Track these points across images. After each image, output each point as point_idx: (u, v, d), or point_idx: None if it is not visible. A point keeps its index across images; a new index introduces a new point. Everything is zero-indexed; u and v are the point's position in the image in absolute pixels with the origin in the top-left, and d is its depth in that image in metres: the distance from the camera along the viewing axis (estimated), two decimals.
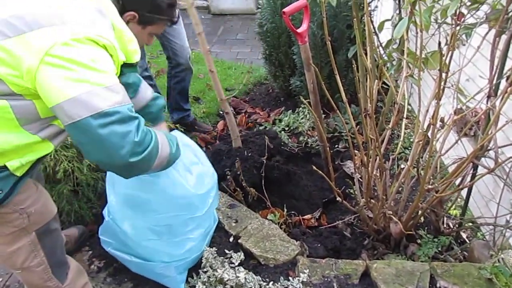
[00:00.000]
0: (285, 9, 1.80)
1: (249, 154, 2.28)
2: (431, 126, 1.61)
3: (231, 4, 5.93)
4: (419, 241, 1.97)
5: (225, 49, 4.80)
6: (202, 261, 1.72)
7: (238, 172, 2.08)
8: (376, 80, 1.78)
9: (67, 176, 1.92)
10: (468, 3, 1.55)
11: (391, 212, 1.85)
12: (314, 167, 1.80)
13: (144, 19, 1.41)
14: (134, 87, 1.72)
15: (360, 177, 2.06)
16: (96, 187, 2.01)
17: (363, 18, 2.75)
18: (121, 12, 1.33)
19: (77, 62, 1.10)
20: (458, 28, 1.49)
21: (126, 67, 1.30)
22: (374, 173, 1.87)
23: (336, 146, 2.89)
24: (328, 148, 2.12)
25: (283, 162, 2.53)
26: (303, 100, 1.84)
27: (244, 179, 2.10)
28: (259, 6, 3.39)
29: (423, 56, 1.59)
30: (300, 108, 3.18)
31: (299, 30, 1.87)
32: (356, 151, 2.12)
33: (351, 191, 2.41)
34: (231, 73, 4.08)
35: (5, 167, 1.20)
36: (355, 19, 2.18)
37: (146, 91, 1.76)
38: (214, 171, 1.80)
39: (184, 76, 2.93)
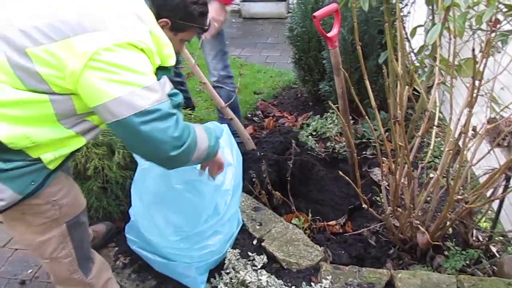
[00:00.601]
0: (315, 13, 1.80)
1: (273, 158, 2.28)
2: (463, 135, 1.57)
3: (262, 8, 5.96)
4: (446, 253, 1.92)
5: (255, 52, 4.82)
6: (225, 262, 1.73)
7: (264, 175, 2.08)
8: (407, 87, 1.75)
9: (97, 173, 1.97)
10: (505, 10, 1.51)
11: (418, 222, 1.81)
12: (340, 173, 1.78)
13: (176, 26, 1.43)
14: None
15: (387, 185, 2.03)
16: (125, 185, 2.05)
17: (394, 23, 2.72)
18: (157, 18, 1.37)
19: (119, 65, 1.19)
20: (493, 35, 1.45)
21: (161, 70, 1.36)
22: (402, 181, 1.83)
23: (364, 152, 2.85)
24: (355, 154, 2.09)
25: (310, 166, 2.52)
26: (332, 105, 1.82)
27: (269, 182, 2.10)
28: (290, 11, 3.40)
29: (456, 63, 1.56)
30: (328, 113, 3.16)
31: (329, 35, 1.86)
32: (384, 158, 2.09)
33: (378, 198, 2.37)
34: (260, 76, 4.09)
35: (39, 160, 1.27)
36: (386, 24, 2.15)
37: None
38: (240, 174, 1.82)
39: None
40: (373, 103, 1.89)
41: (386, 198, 2.02)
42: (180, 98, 1.88)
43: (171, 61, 1.37)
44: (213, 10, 2.26)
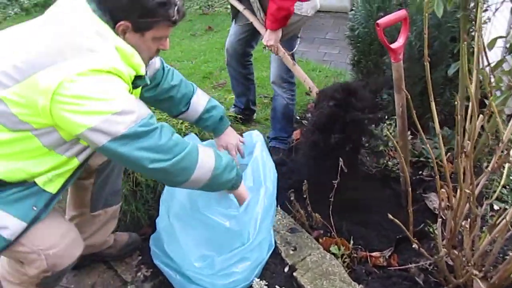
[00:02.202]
0: (379, 21, 1.57)
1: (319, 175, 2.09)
2: None
3: (324, 1, 5.65)
4: None
5: (312, 48, 4.58)
6: None
7: (304, 196, 1.90)
8: (481, 116, 1.49)
9: (127, 176, 1.88)
10: None
11: (477, 273, 1.56)
12: (390, 216, 1.56)
13: (138, 26, 1.30)
14: (185, 100, 1.72)
15: (444, 218, 1.78)
16: (156, 189, 1.95)
17: (471, 31, 2.40)
18: (113, 24, 1.27)
19: (84, 97, 1.19)
20: None
21: (137, 80, 1.34)
22: (463, 223, 1.58)
23: (420, 172, 2.58)
24: (409, 181, 1.84)
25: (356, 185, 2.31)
26: (389, 135, 1.61)
27: (309, 203, 1.92)
28: (353, 8, 3.13)
29: None
30: (385, 124, 2.89)
31: (393, 46, 1.62)
32: (442, 182, 1.84)
33: (431, 229, 2.12)
34: (314, 75, 3.86)
35: (33, 183, 1.27)
36: (461, 32, 1.88)
37: (198, 105, 1.74)
38: (274, 195, 1.66)
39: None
40: (436, 121, 1.64)
41: (441, 234, 1.78)
42: (219, 111, 1.76)
43: (142, 70, 1.33)
44: (264, 37, 2.30)
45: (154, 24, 1.31)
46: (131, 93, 1.35)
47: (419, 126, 1.60)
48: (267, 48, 2.36)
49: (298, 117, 3.17)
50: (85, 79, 1.18)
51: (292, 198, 1.95)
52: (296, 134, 2.92)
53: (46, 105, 1.18)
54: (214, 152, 1.45)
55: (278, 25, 2.20)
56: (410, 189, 1.54)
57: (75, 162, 1.35)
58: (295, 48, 2.56)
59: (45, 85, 1.17)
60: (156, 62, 1.68)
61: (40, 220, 1.29)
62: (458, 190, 1.56)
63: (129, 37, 1.31)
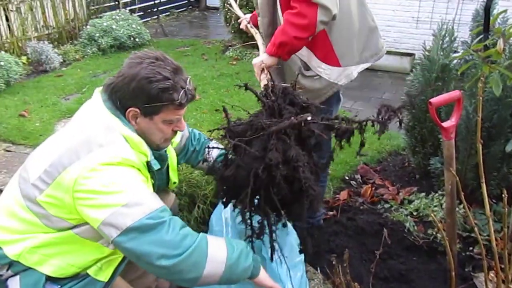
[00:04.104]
0: (432, 100, 1.59)
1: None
2: None
3: (385, 61, 5.70)
4: None
5: (367, 107, 4.60)
6: None
7: (345, 265, 1.87)
8: None
9: None
10: None
11: None
12: None
13: (146, 111, 1.39)
14: (202, 150, 1.83)
15: None
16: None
17: None
18: (124, 111, 1.38)
19: (95, 191, 1.26)
20: None
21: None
22: None
23: (471, 248, 2.47)
24: (452, 263, 1.76)
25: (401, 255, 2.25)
26: (433, 216, 1.58)
27: (349, 273, 1.89)
28: (412, 73, 3.14)
29: None
30: (436, 194, 2.82)
31: (445, 125, 1.63)
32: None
33: None
34: (367, 136, 3.84)
35: (86, 274, 1.40)
36: None
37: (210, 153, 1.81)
38: None
39: None
40: (487, 207, 1.59)
41: None
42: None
43: (150, 155, 1.42)
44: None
45: (161, 108, 1.38)
46: (149, 181, 1.43)
47: (466, 207, 1.56)
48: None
49: (346, 177, 3.17)
50: (97, 174, 1.27)
51: (334, 262, 1.93)
52: (343, 194, 2.91)
53: (70, 203, 1.30)
54: (225, 242, 1.39)
55: (274, 50, 1.85)
56: (453, 273, 1.49)
57: (106, 251, 1.43)
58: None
59: (66, 184, 1.30)
60: (185, 131, 1.79)
61: None
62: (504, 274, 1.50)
63: (140, 122, 1.41)
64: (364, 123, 1.60)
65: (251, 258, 1.41)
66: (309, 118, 1.40)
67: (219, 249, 1.34)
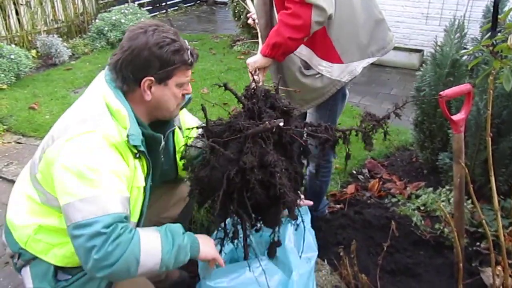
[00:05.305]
0: (443, 92, 1.59)
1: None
2: None
3: (393, 57, 5.69)
4: None
5: (375, 103, 4.59)
6: None
7: (352, 256, 1.89)
8: None
9: None
10: None
11: None
12: None
13: (160, 77, 1.39)
14: None
15: None
16: (209, 229, 2.03)
17: None
18: (138, 83, 1.38)
19: (66, 167, 1.27)
20: None
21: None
22: None
23: (478, 244, 2.47)
24: (460, 255, 1.77)
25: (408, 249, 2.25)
26: (441, 207, 1.58)
27: (356, 263, 1.91)
28: (421, 68, 3.13)
29: None
30: (444, 189, 2.82)
31: (454, 118, 1.63)
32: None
33: None
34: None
35: None
36: None
37: None
38: None
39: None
40: (495, 201, 1.60)
41: None
42: None
43: (129, 130, 1.35)
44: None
45: (174, 71, 1.41)
46: (129, 160, 1.38)
47: (475, 201, 1.57)
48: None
49: (354, 171, 3.18)
50: (73, 147, 1.29)
51: (341, 254, 1.95)
52: (350, 188, 2.92)
53: (52, 178, 1.34)
54: (160, 239, 1.32)
55: (269, 51, 1.83)
56: (461, 264, 1.50)
57: None
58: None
59: (50, 157, 1.34)
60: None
61: None
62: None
63: (155, 91, 1.41)
64: (348, 132, 1.56)
65: (188, 249, 1.38)
66: (281, 124, 1.37)
67: (153, 254, 1.29)
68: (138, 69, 1.37)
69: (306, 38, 1.80)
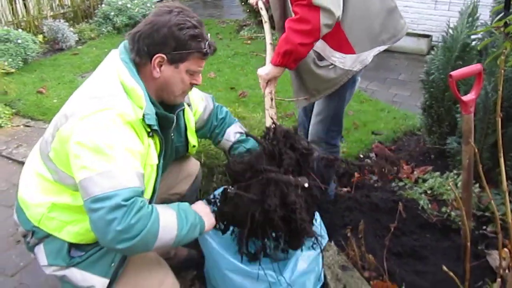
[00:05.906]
0: (453, 73, 1.58)
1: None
2: None
3: (402, 42, 5.62)
4: None
5: (382, 88, 4.57)
6: None
7: (360, 236, 1.90)
8: None
9: None
10: None
11: None
12: (444, 268, 1.53)
13: (173, 58, 1.40)
14: (221, 127, 1.84)
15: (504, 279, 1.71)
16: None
17: None
18: (150, 58, 1.39)
19: (82, 144, 1.27)
20: None
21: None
22: None
23: (484, 227, 2.47)
24: (468, 235, 1.77)
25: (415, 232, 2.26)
26: (452, 187, 1.58)
27: (364, 244, 1.92)
28: (432, 52, 3.11)
29: None
30: (451, 173, 2.82)
31: (464, 98, 1.62)
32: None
33: None
34: (382, 115, 3.85)
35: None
36: None
37: (229, 135, 1.83)
38: None
39: None
40: (504, 183, 1.60)
41: None
42: (250, 144, 1.80)
43: (145, 110, 1.37)
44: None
45: (188, 56, 1.41)
46: (144, 138, 1.39)
47: (484, 182, 1.57)
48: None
49: (361, 155, 3.18)
50: (88, 125, 1.29)
51: (349, 235, 1.97)
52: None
53: (67, 155, 1.34)
54: (176, 218, 1.36)
55: (280, 60, 1.81)
56: (469, 243, 1.51)
57: None
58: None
59: (64, 135, 1.34)
60: (209, 103, 1.83)
61: (126, 272, 1.43)
62: None
63: (165, 70, 1.42)
64: (364, 167, 1.63)
65: (198, 227, 1.42)
66: (305, 185, 1.45)
67: (170, 230, 1.33)
68: (154, 44, 1.38)
69: (315, 42, 1.79)
